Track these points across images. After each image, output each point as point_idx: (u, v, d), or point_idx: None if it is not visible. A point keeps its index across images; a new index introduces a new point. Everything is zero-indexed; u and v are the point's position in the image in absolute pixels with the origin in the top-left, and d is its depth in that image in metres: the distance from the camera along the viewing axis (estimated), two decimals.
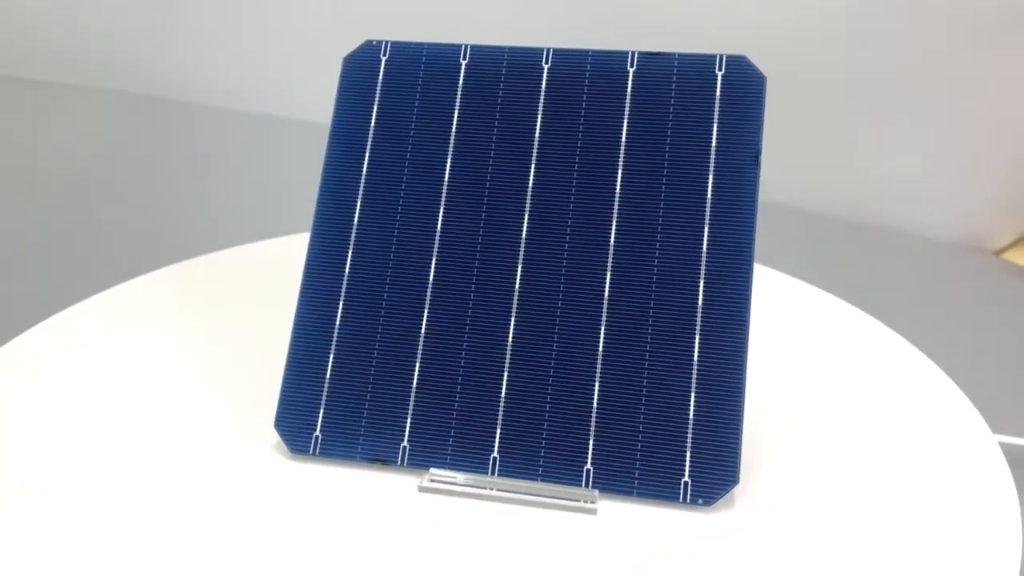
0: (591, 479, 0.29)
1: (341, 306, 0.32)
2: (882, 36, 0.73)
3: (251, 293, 0.42)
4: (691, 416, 0.29)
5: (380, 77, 0.33)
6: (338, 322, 0.31)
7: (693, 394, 0.29)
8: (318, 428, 0.31)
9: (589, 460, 0.29)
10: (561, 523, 0.28)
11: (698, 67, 0.32)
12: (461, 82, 0.33)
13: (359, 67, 0.33)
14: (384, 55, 0.33)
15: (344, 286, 0.32)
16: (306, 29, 0.88)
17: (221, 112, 0.88)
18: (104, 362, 0.36)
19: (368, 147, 0.33)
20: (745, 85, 0.31)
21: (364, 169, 0.33)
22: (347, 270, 0.32)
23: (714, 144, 0.31)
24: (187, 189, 0.80)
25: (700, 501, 0.28)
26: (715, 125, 0.31)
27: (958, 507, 0.28)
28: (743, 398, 0.29)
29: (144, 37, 0.90)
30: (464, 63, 0.33)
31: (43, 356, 0.36)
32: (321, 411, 0.31)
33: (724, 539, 0.27)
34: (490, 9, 0.84)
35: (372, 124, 0.33)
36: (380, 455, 0.30)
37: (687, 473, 0.29)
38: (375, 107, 0.33)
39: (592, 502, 0.29)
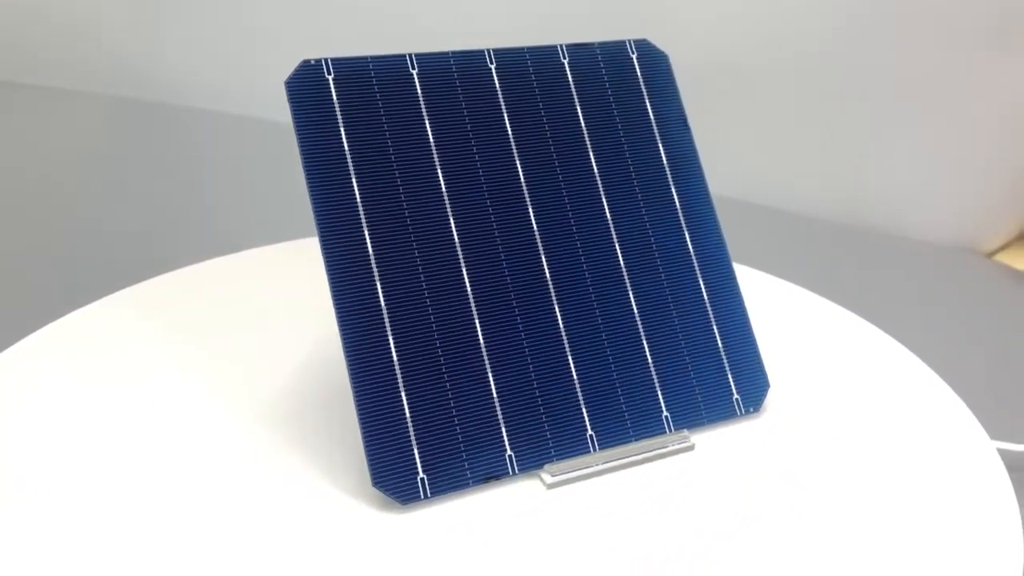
0: (671, 423, 0.32)
1: (392, 341, 0.29)
2: (876, 38, 0.71)
3: (255, 297, 0.38)
4: (720, 344, 0.34)
5: (335, 96, 0.31)
6: (395, 357, 0.29)
7: (715, 325, 0.34)
8: (420, 470, 0.29)
9: (664, 407, 0.32)
10: (676, 465, 0.31)
11: (617, 52, 0.36)
12: (420, 91, 0.32)
13: (307, 89, 0.31)
14: (329, 74, 0.31)
15: (387, 320, 0.30)
16: (305, 32, 0.80)
17: (221, 116, 0.83)
18: (108, 367, 0.33)
19: (352, 171, 0.30)
20: (656, 64, 0.36)
21: (357, 196, 0.30)
22: (383, 303, 0.30)
23: (652, 116, 0.35)
24: (188, 194, 0.73)
25: (751, 410, 0.34)
26: (647, 100, 0.36)
27: (957, 515, 0.28)
28: (747, 313, 0.34)
29: (142, 41, 0.84)
30: (415, 72, 0.32)
31: (45, 362, 0.33)
32: (416, 452, 0.29)
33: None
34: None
35: (345, 147, 0.31)
36: (492, 472, 0.29)
37: (734, 391, 0.34)
38: (342, 129, 0.31)
39: (687, 440, 0.32)
